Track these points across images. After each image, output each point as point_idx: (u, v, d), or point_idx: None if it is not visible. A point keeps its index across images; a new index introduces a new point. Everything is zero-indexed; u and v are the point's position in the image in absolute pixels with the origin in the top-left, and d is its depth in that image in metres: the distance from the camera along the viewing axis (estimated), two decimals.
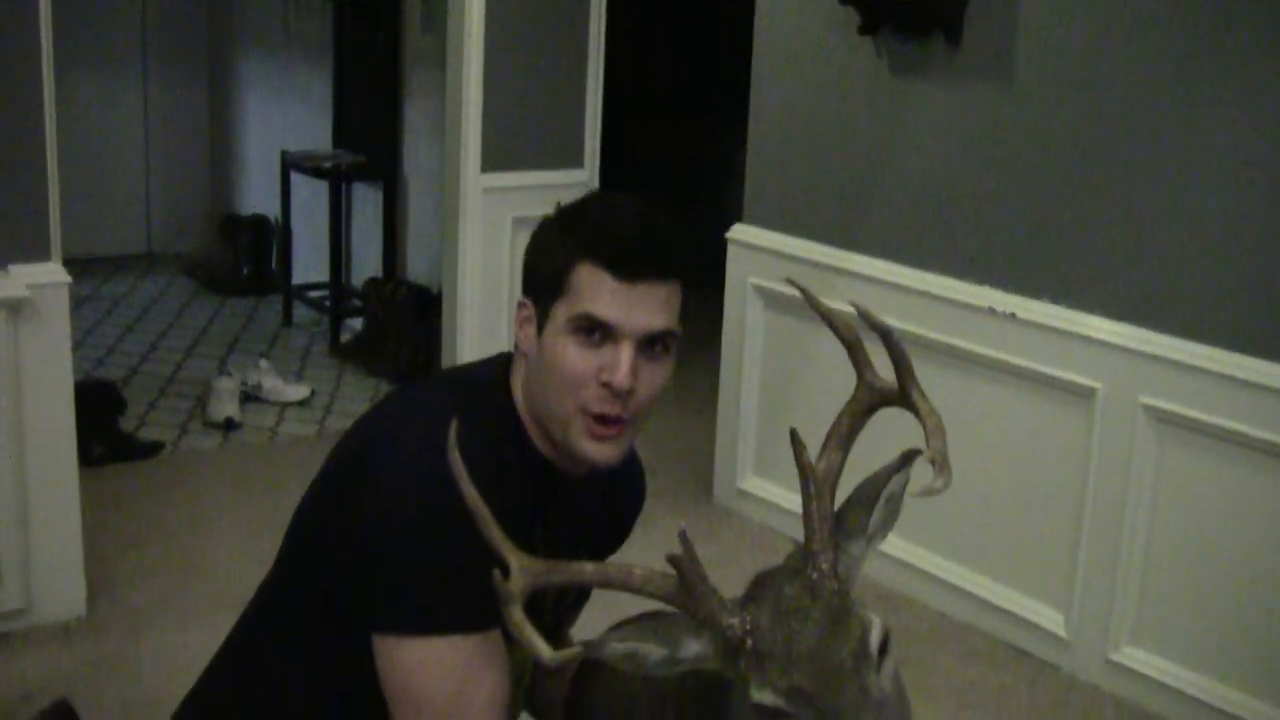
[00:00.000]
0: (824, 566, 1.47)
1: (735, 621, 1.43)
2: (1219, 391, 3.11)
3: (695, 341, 5.98)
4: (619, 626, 1.80)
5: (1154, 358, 3.22)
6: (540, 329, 1.71)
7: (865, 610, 1.47)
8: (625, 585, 1.45)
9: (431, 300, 5.45)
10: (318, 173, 6.03)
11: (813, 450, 1.55)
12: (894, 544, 3.69)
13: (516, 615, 1.43)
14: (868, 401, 1.61)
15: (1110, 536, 3.34)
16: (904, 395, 1.58)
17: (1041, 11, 3.40)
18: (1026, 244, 3.49)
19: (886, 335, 1.56)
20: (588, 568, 1.50)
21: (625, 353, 1.66)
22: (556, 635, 1.95)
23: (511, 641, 1.76)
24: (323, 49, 6.36)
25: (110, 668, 3.25)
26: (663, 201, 1.76)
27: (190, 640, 3.30)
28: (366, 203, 6.13)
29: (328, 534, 1.74)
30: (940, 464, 1.51)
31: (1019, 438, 3.51)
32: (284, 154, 6.32)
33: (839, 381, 3.87)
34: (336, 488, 1.75)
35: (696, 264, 1.74)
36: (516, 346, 1.79)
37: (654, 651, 1.46)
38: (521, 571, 1.46)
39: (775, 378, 4.22)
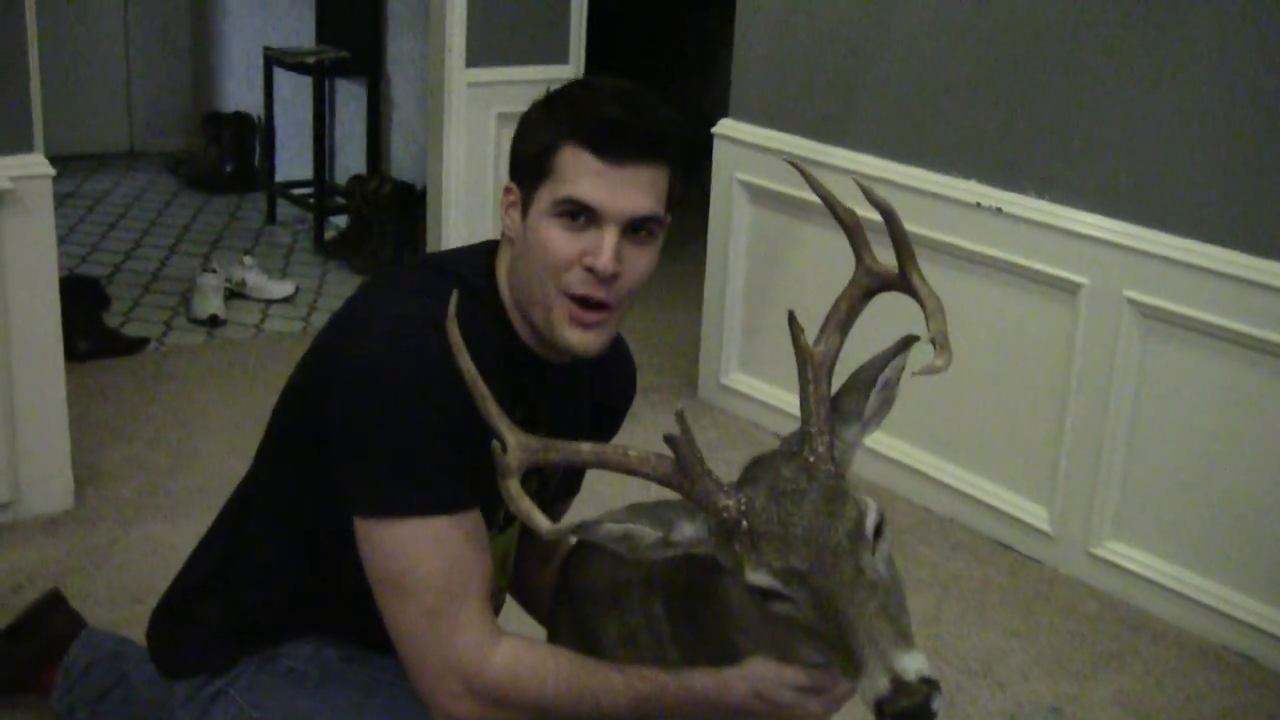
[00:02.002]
0: (820, 449, 1.48)
1: (731, 503, 1.44)
2: (1204, 286, 3.11)
3: (681, 236, 5.97)
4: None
5: (1139, 252, 3.21)
6: (525, 213, 1.70)
7: (860, 493, 1.47)
8: (621, 466, 1.46)
9: (416, 196, 5.42)
10: (301, 68, 5.95)
11: (809, 336, 1.55)
12: (878, 439, 3.69)
13: (514, 488, 1.43)
14: (866, 285, 1.60)
15: (1093, 432, 3.35)
16: (904, 278, 1.57)
17: None
18: (1012, 137, 3.47)
19: (888, 215, 1.55)
20: (584, 447, 1.49)
21: (609, 236, 1.65)
22: None
23: (492, 528, 1.78)
24: None
25: (99, 558, 3.26)
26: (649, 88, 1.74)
27: (179, 530, 3.30)
28: (350, 99, 6.06)
29: (306, 420, 1.74)
30: (941, 343, 1.50)
31: (1004, 332, 3.51)
32: (266, 50, 6.23)
33: (824, 277, 3.92)
34: (314, 373, 1.75)
35: (684, 147, 1.72)
36: (504, 233, 1.77)
37: (648, 533, 1.46)
38: (518, 447, 1.45)
39: (760, 274, 4.21)
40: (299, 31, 6.37)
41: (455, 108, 4.65)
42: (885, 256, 1.62)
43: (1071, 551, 3.45)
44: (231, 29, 7.10)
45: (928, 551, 3.54)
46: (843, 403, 1.56)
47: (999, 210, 3.48)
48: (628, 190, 1.65)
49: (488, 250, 1.81)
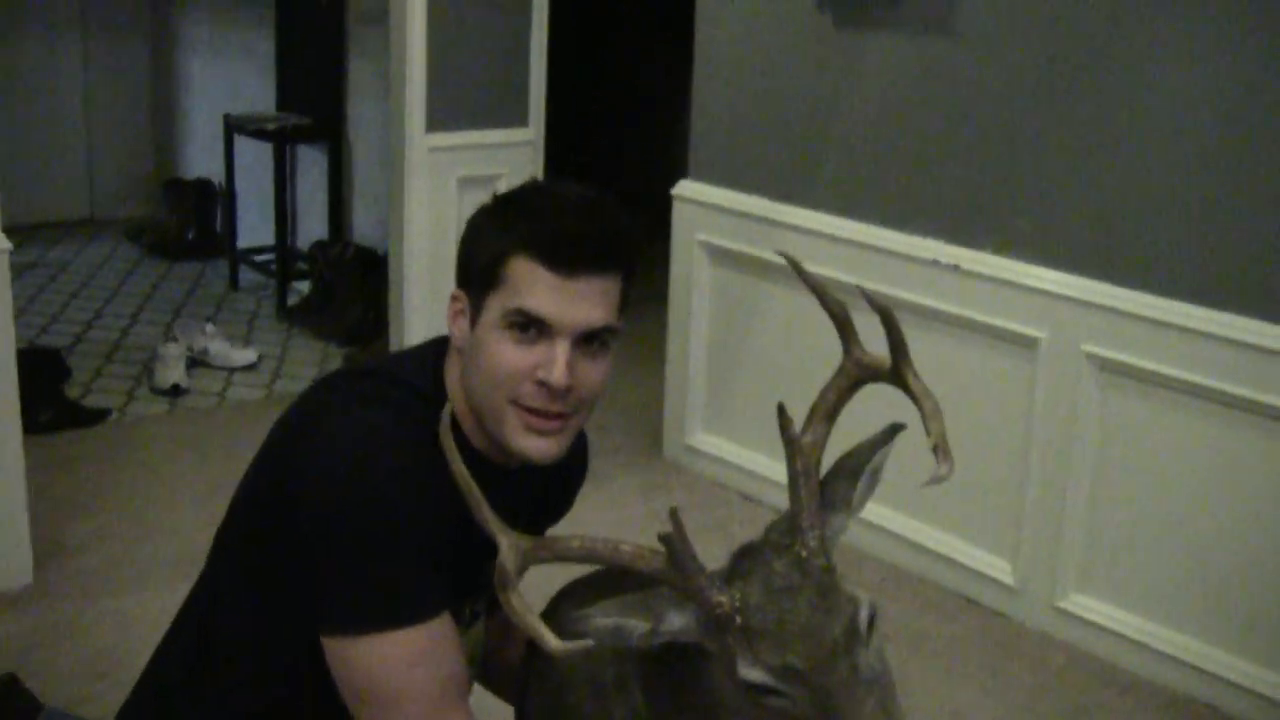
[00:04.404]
0: (812, 543, 1.46)
1: (724, 599, 1.43)
2: (1162, 339, 3.14)
3: (643, 295, 5.92)
4: (571, 592, 1.79)
5: (1096, 306, 3.24)
6: (474, 322, 1.67)
7: (852, 587, 1.47)
8: (613, 560, 1.45)
9: (378, 262, 5.41)
10: (262, 135, 5.97)
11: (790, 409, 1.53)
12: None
13: (517, 602, 1.40)
14: (855, 376, 1.60)
15: (1056, 485, 3.37)
16: (897, 374, 1.57)
17: None
18: (970, 195, 3.50)
19: (885, 315, 1.55)
20: (575, 542, 1.46)
21: (561, 350, 1.62)
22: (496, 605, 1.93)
23: (460, 623, 1.76)
24: (266, 6, 6.29)
25: (61, 633, 3.23)
26: (604, 192, 1.72)
27: (144, 602, 3.29)
28: (312, 164, 6.08)
29: (268, 536, 1.70)
30: (943, 450, 1.50)
31: (964, 388, 3.54)
32: (227, 117, 6.25)
33: (787, 336, 3.95)
34: (274, 488, 1.70)
35: (638, 254, 1.70)
36: (452, 341, 1.74)
37: (637, 625, 1.45)
38: (513, 549, 1.43)
39: (723, 334, 4.22)
40: (260, 98, 6.40)
41: (416, 172, 4.66)
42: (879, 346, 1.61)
43: (1036, 605, 3.46)
44: (192, 96, 7.13)
45: (896, 608, 3.55)
46: (829, 491, 1.55)
47: (956, 267, 3.51)
48: (581, 303, 1.62)
49: (436, 353, 1.78)
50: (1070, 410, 3.31)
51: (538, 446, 1.66)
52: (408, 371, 1.75)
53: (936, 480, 1.47)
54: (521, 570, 1.43)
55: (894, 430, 1.59)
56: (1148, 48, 3.11)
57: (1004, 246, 3.43)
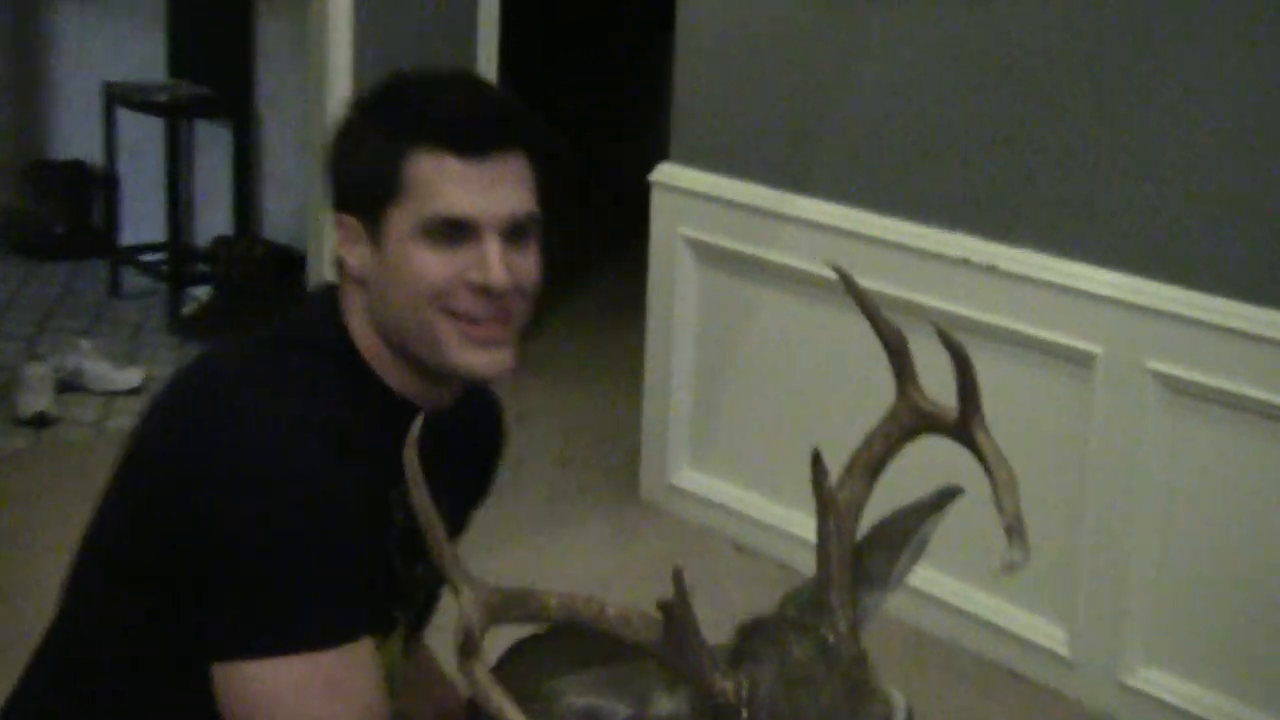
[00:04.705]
0: (842, 627, 1.46)
1: (730, 686, 1.41)
2: (1243, 353, 3.13)
3: (617, 303, 5.94)
4: (525, 651, 1.78)
5: (1163, 314, 3.23)
6: (377, 244, 1.71)
7: (887, 685, 1.46)
8: (597, 625, 1.43)
9: (294, 261, 5.40)
10: (150, 108, 5.95)
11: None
12: None
13: (482, 675, 1.39)
14: (909, 424, 1.61)
15: (1118, 533, 3.36)
16: (965, 430, 1.59)
17: None
18: (1006, 180, 3.50)
19: (959, 356, 1.57)
20: (552, 601, 1.45)
21: (492, 247, 1.69)
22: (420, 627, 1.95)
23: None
24: None
25: None
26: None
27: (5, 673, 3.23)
28: (213, 145, 6.05)
29: (151, 546, 1.70)
30: (1018, 530, 1.52)
31: (1002, 415, 3.42)
32: (107, 85, 6.22)
33: (790, 354, 3.92)
34: (160, 487, 1.70)
35: (539, 129, 1.77)
36: (342, 272, 1.77)
37: (618, 710, 1.45)
38: (476, 605, 1.42)
39: (712, 349, 4.21)
40: (148, 63, 6.36)
41: None
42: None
43: (1098, 681, 3.44)
44: (63, 59, 7.08)
45: (924, 683, 3.53)
46: (866, 562, 1.55)
47: (992, 267, 3.50)
48: (500, 190, 1.69)
49: (329, 299, 1.81)
50: (1133, 441, 3.30)
51: (485, 361, 1.72)
52: (307, 329, 1.80)
53: (1009, 569, 1.48)
54: (485, 629, 1.41)
55: (949, 495, 1.61)
56: (1208, 23, 3.11)
57: (1049, 242, 3.43)
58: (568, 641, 1.58)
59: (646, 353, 4.38)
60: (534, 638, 1.76)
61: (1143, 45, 3.23)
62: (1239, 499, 3.20)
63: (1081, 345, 3.37)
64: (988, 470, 1.55)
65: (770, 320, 4.01)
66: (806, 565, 1.54)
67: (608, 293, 6.23)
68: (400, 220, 1.68)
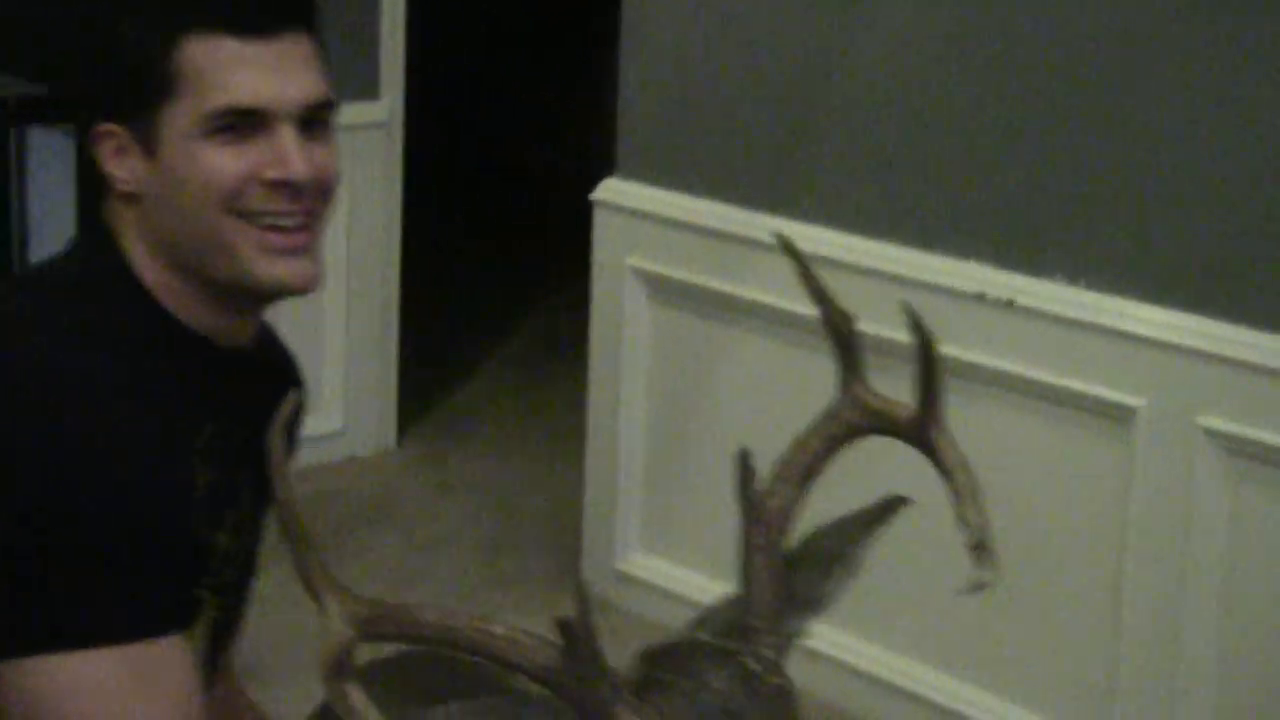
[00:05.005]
0: (767, 653, 1.52)
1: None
2: None
3: (553, 352, 5.91)
4: (375, 676, 1.76)
5: (1218, 359, 3.23)
6: (150, 152, 1.76)
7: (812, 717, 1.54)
8: (480, 647, 1.46)
9: None
10: None
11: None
12: (845, 644, 3.70)
13: (358, 700, 1.43)
14: (854, 423, 1.66)
15: (1167, 622, 3.36)
16: (921, 430, 1.63)
17: None
18: (1029, 197, 3.50)
19: (925, 342, 1.61)
20: (429, 617, 1.48)
21: (288, 137, 1.76)
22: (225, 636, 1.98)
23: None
24: None
25: None
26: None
27: None
28: (52, 156, 6.00)
29: None
30: (983, 547, 1.56)
31: (1027, 480, 3.52)
32: None
33: (763, 409, 3.90)
34: None
35: (315, 6, 1.89)
36: (110, 191, 1.83)
37: None
38: (346, 618, 1.45)
39: (669, 405, 4.21)
40: None
41: None
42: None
43: None
44: None
45: None
46: (794, 582, 1.61)
47: (1011, 303, 3.50)
48: (290, 73, 1.77)
49: (101, 230, 1.86)
50: (1184, 511, 3.30)
51: (290, 270, 1.81)
52: (73, 267, 1.87)
53: (975, 588, 1.52)
54: (353, 646, 1.45)
55: (891, 505, 1.67)
56: None
57: (1080, 273, 3.43)
58: (425, 668, 1.69)
59: (589, 410, 4.37)
60: (389, 660, 1.81)
61: (1196, 23, 3.24)
62: None
63: (1120, 397, 3.36)
64: (949, 478, 1.60)
65: (739, 368, 4.00)
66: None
67: (544, 336, 6.21)
68: (176, 119, 1.74)
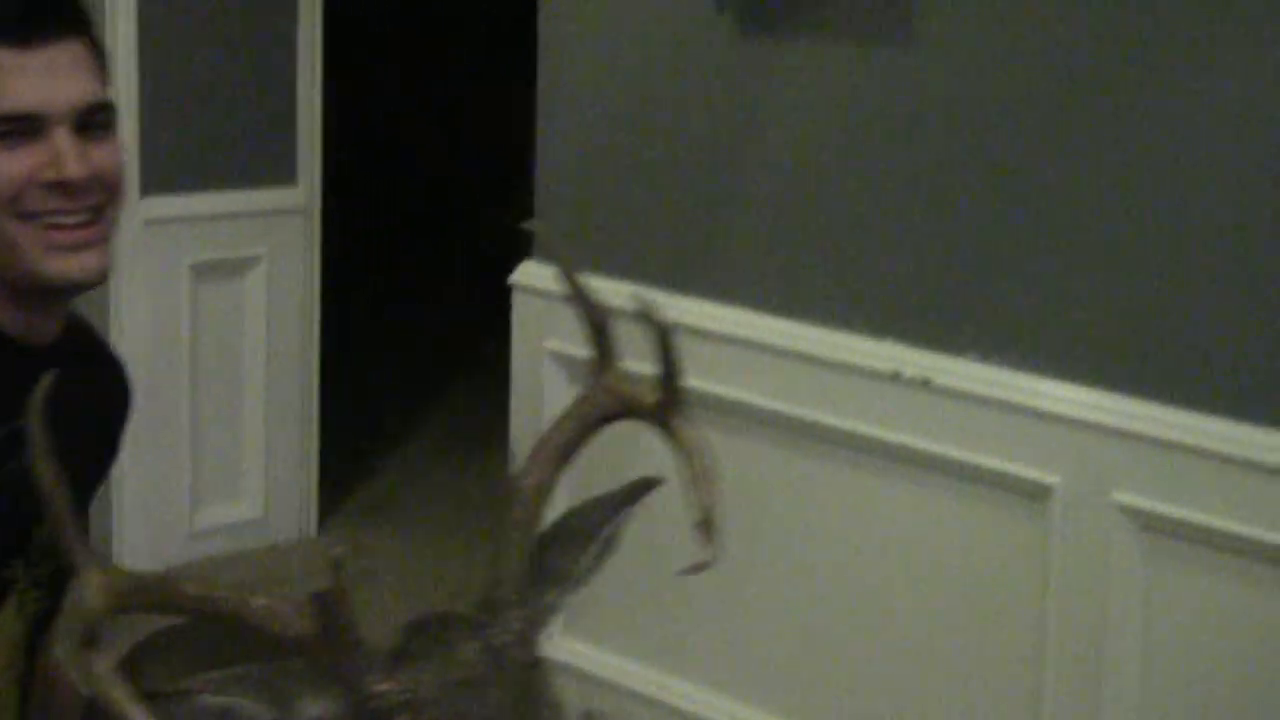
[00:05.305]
0: (515, 625, 1.58)
1: (387, 688, 1.49)
2: (1228, 482, 3.12)
3: (474, 435, 5.85)
4: (157, 647, 1.87)
5: (1133, 437, 3.23)
6: None
7: (559, 693, 1.60)
8: (239, 616, 1.49)
9: None
10: None
11: None
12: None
13: (101, 668, 1.44)
14: (605, 407, 1.76)
15: (1086, 701, 3.34)
16: (663, 414, 1.74)
17: None
18: (940, 277, 3.50)
19: (661, 330, 1.69)
20: (189, 590, 1.53)
21: (63, 140, 1.84)
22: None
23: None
24: None
25: None
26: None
27: None
28: None
29: None
30: (707, 525, 1.67)
31: (945, 558, 3.52)
32: None
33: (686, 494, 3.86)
34: None
35: (89, 16, 1.97)
36: None
37: (259, 712, 1.50)
38: (97, 588, 1.47)
39: (589, 489, 4.12)
40: None
41: (128, 255, 4.62)
42: None
43: None
44: None
45: None
46: (546, 558, 1.67)
47: (927, 382, 3.49)
48: (63, 77, 1.86)
49: None
50: (1100, 588, 3.29)
51: (76, 266, 1.88)
52: None
53: (697, 569, 1.64)
54: (107, 616, 1.48)
55: (644, 486, 1.79)
56: (1200, 47, 3.13)
57: (994, 350, 3.42)
58: (205, 639, 1.69)
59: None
60: (168, 630, 1.83)
61: (1119, 98, 3.24)
62: (1225, 655, 3.19)
63: (1036, 475, 3.36)
64: (683, 455, 1.71)
65: (660, 453, 3.93)
66: None
67: (464, 420, 6.17)
68: None
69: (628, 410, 1.73)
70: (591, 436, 1.71)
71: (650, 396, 1.71)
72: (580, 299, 1.79)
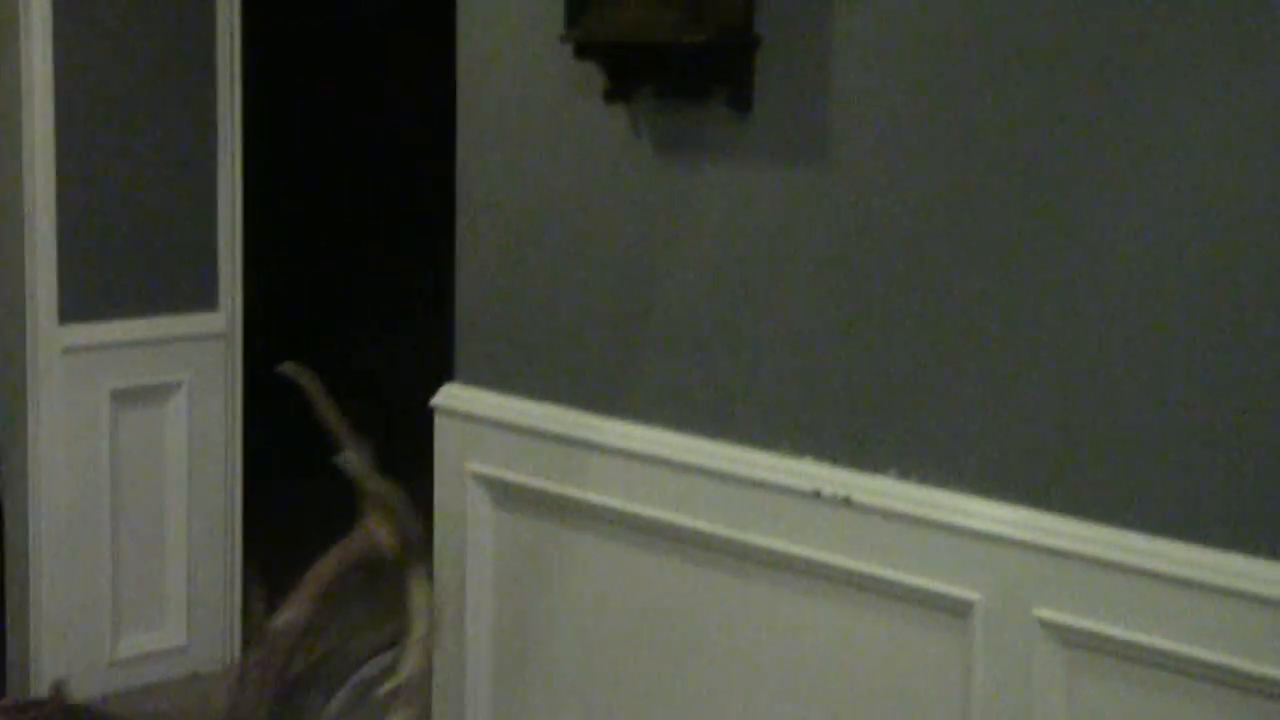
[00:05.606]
0: None
1: None
2: (1152, 598, 3.11)
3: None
4: None
5: (1053, 552, 3.21)
6: None
7: None
8: None
9: None
10: None
11: None
12: None
13: None
14: (359, 552, 1.74)
15: None
16: (400, 571, 1.71)
17: (862, 54, 3.44)
18: (856, 395, 3.49)
19: (393, 496, 1.65)
20: None
21: None
22: None
23: None
24: None
25: None
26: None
27: None
28: None
29: None
30: (409, 692, 1.63)
31: (866, 676, 3.49)
32: None
33: (609, 612, 3.83)
34: None
35: None
36: None
37: None
38: None
39: (515, 610, 4.13)
40: None
41: (45, 384, 4.63)
42: None
43: None
44: None
45: None
46: (294, 699, 1.64)
47: (847, 500, 3.47)
48: None
49: None
50: (1022, 706, 3.26)
51: None
52: None
53: None
54: None
55: (396, 633, 1.74)
56: (1108, 169, 3.14)
57: (913, 468, 3.42)
58: None
59: (435, 615, 4.23)
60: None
61: (1032, 207, 3.24)
62: None
63: (956, 591, 3.34)
64: (408, 620, 1.68)
65: (583, 571, 3.96)
66: None
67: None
68: None
69: (375, 560, 1.73)
70: (350, 579, 1.70)
71: (391, 554, 1.71)
72: (340, 445, 1.78)
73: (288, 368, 1.98)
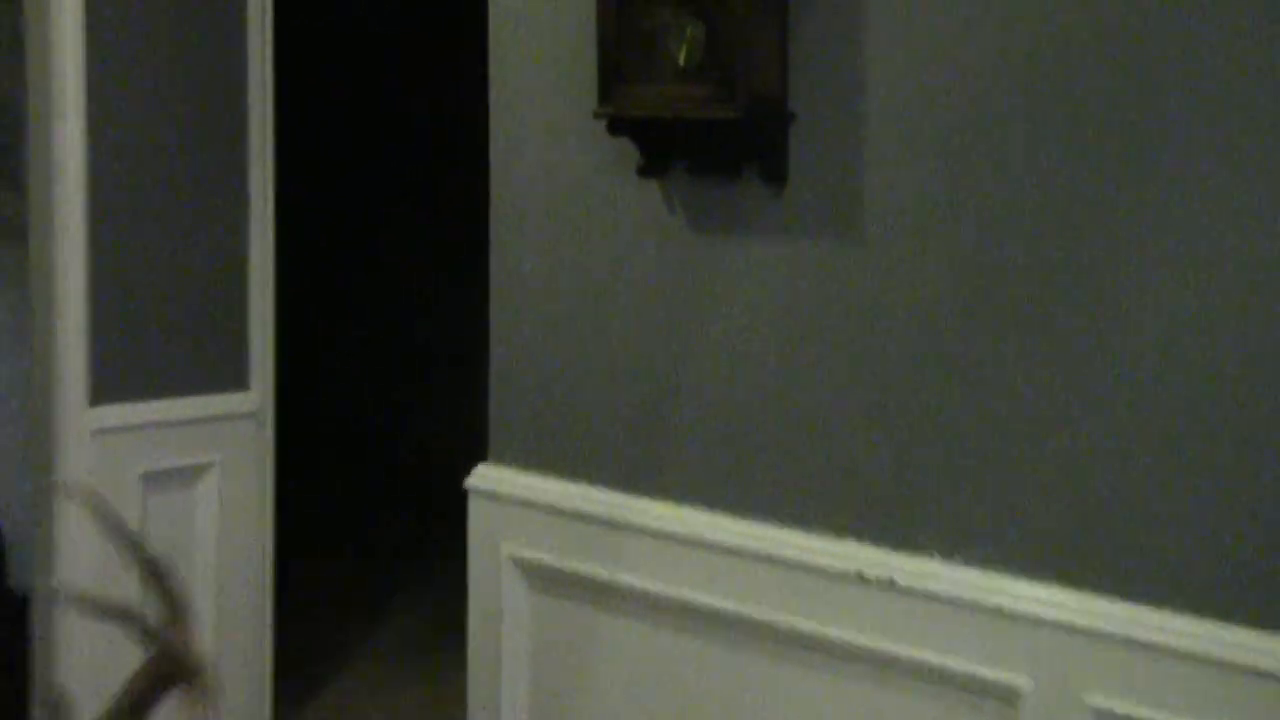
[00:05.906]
0: None
1: None
2: (1205, 684, 3.05)
3: (430, 640, 5.78)
4: None
5: (1106, 637, 3.16)
6: None
7: None
8: None
9: (16, 606, 5.22)
10: None
11: None
12: None
13: None
14: (163, 671, 1.72)
15: None
16: (198, 690, 1.71)
17: (895, 131, 3.41)
18: (897, 475, 3.45)
19: (161, 574, 1.70)
20: None
21: None
22: None
23: None
24: None
25: None
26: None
27: None
28: None
29: None
30: None
31: None
32: None
33: (643, 694, 3.78)
34: None
35: None
36: None
37: None
38: None
39: (550, 692, 4.11)
40: None
41: (75, 467, 4.60)
42: None
43: None
44: None
45: None
46: None
47: (891, 583, 3.42)
48: None
49: None
50: None
51: None
52: None
53: None
54: None
55: None
56: (1146, 243, 3.10)
57: (959, 549, 3.37)
58: None
59: (469, 699, 4.27)
60: None
61: (1066, 284, 3.21)
62: None
63: (1005, 678, 3.28)
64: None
65: (617, 653, 3.92)
66: None
67: (421, 626, 6.14)
68: None
69: (179, 679, 1.70)
70: (157, 702, 1.67)
71: (192, 677, 1.69)
72: (138, 559, 1.75)
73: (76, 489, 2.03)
